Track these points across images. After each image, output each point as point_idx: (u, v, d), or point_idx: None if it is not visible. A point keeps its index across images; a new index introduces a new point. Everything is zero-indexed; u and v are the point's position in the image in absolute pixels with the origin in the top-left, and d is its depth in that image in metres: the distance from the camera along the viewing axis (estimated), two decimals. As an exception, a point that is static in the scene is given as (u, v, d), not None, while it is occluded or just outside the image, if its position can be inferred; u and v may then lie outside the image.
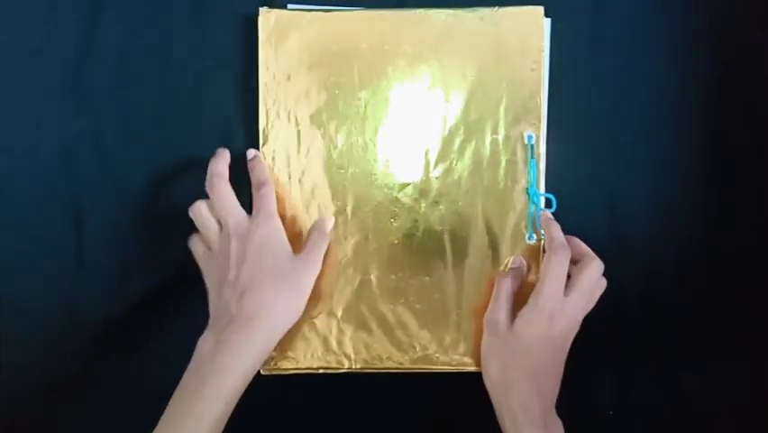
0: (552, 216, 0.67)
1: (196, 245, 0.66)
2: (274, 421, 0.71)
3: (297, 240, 0.67)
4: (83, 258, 0.70)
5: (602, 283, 0.65)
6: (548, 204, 0.68)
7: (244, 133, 0.69)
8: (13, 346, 0.70)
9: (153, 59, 0.69)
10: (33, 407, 0.70)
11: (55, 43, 0.69)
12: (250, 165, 0.67)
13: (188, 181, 0.69)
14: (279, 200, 0.67)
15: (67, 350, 0.70)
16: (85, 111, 0.69)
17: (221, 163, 0.65)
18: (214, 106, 0.69)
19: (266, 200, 0.64)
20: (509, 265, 0.67)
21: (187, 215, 0.68)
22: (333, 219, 0.67)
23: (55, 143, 0.69)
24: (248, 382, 0.61)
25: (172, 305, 0.70)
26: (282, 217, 0.66)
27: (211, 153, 0.68)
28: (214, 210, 0.64)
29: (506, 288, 0.65)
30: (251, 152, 0.68)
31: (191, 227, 0.68)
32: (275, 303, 0.62)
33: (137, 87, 0.69)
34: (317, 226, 0.66)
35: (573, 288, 0.63)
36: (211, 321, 0.63)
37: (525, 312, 0.63)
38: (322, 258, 0.65)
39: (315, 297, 0.67)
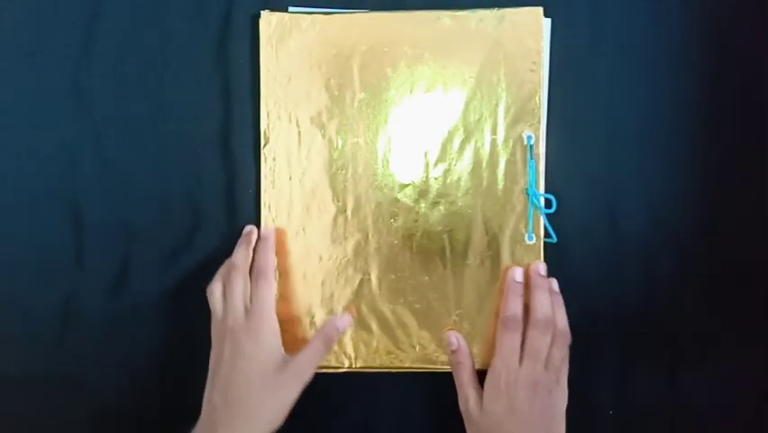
0: (517, 282, 0.66)
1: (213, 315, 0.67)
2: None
3: (297, 238, 0.68)
4: (83, 258, 0.70)
5: (566, 354, 0.65)
6: (548, 204, 0.68)
7: (244, 134, 0.69)
8: (13, 346, 0.70)
9: (153, 59, 0.70)
10: (33, 406, 0.70)
11: (55, 43, 0.70)
12: (257, 245, 0.67)
13: (188, 181, 0.70)
14: (281, 202, 0.68)
15: (67, 350, 0.70)
16: (85, 111, 0.70)
17: (241, 256, 0.66)
18: (215, 107, 0.70)
19: (261, 298, 0.64)
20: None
21: (187, 217, 0.69)
22: (349, 319, 0.68)
23: (55, 143, 0.70)
24: None
25: (172, 305, 0.70)
26: (283, 218, 0.67)
27: (211, 154, 0.69)
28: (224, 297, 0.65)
29: (463, 375, 0.65)
30: (263, 231, 0.68)
31: (190, 227, 0.69)
32: (257, 410, 0.61)
33: (137, 87, 0.70)
34: (325, 331, 0.66)
35: (526, 356, 0.63)
36: (204, 405, 0.63)
37: (486, 390, 0.63)
38: (315, 368, 0.64)
39: (316, 297, 0.68)
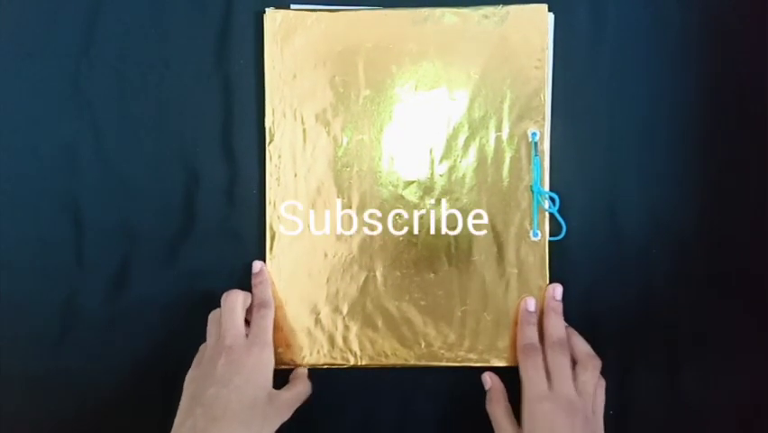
0: (530, 312, 0.67)
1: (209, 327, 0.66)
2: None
3: (302, 238, 0.68)
4: (83, 258, 0.70)
5: (601, 383, 0.65)
6: (551, 201, 0.68)
7: (245, 134, 0.69)
8: (13, 346, 0.70)
9: (153, 59, 0.70)
10: (33, 407, 0.70)
11: (55, 43, 0.69)
12: (254, 280, 0.67)
13: (188, 182, 0.70)
14: (286, 199, 0.68)
15: (67, 350, 0.70)
16: (85, 111, 0.69)
17: (241, 291, 0.66)
18: (215, 106, 0.70)
19: (264, 325, 0.64)
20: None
21: (187, 217, 0.69)
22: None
23: (55, 143, 0.69)
24: None
25: (172, 305, 0.70)
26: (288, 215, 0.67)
27: (211, 153, 0.69)
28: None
29: (497, 411, 0.65)
30: (256, 266, 0.68)
31: (190, 227, 0.69)
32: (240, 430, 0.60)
33: (137, 87, 0.70)
34: (303, 377, 0.67)
35: (552, 378, 0.63)
36: (175, 428, 0.61)
37: (525, 422, 0.63)
38: (297, 405, 0.64)
39: (321, 294, 0.68)
